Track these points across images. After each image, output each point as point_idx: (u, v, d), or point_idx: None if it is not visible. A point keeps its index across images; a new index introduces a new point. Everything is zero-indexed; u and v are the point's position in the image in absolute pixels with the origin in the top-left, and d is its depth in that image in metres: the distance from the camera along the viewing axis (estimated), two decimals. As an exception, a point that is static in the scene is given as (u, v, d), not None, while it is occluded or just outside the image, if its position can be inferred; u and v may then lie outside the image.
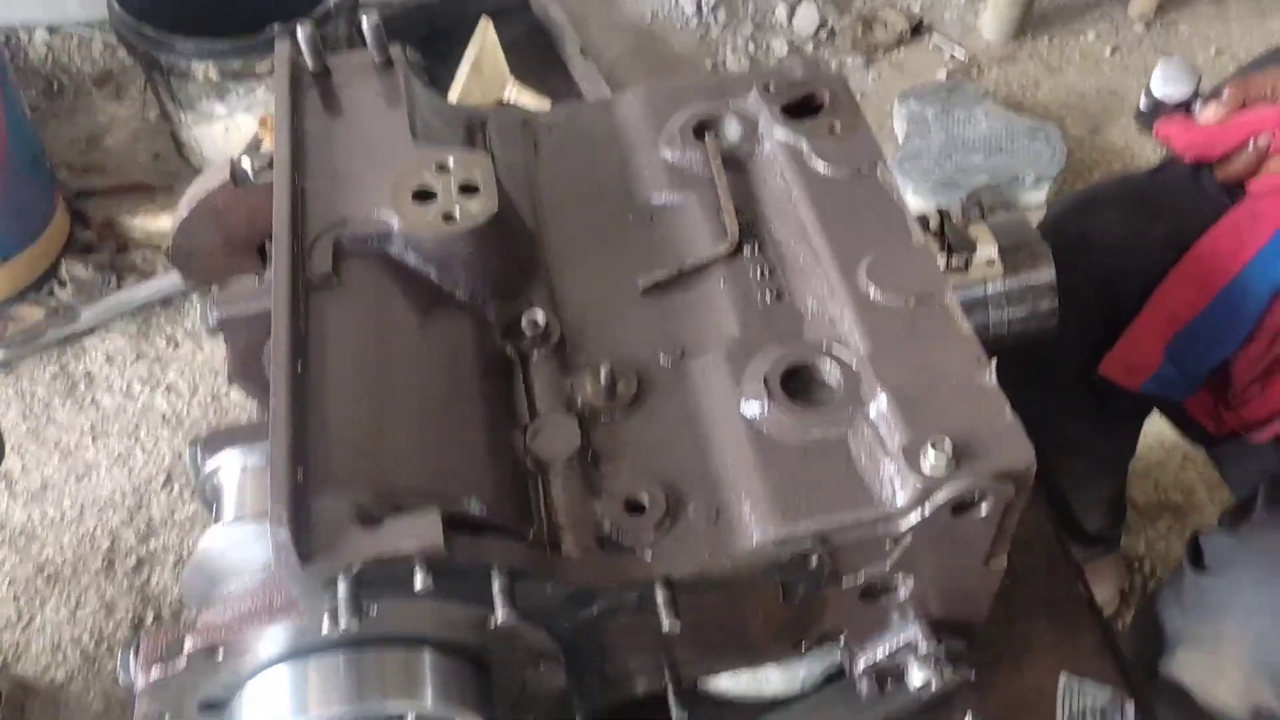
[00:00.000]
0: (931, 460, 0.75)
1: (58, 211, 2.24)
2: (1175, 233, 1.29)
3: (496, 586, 0.71)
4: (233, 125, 2.29)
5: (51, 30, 2.69)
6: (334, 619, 0.69)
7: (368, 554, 0.68)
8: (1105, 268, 1.29)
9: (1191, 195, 1.32)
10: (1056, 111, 2.81)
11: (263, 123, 1.50)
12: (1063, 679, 1.06)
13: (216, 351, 2.14)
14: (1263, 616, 1.12)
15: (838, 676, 1.03)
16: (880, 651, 0.93)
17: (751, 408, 0.84)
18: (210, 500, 0.85)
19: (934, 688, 0.95)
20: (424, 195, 0.89)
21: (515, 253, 0.93)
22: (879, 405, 0.80)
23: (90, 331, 2.14)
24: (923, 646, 0.90)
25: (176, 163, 2.47)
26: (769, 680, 1.01)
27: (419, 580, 0.68)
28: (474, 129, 1.08)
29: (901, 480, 0.77)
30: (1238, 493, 1.36)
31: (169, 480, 1.93)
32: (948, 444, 0.75)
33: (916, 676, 0.93)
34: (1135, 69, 2.94)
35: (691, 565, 0.77)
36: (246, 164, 1.00)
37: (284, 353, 0.76)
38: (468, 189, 0.89)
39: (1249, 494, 1.24)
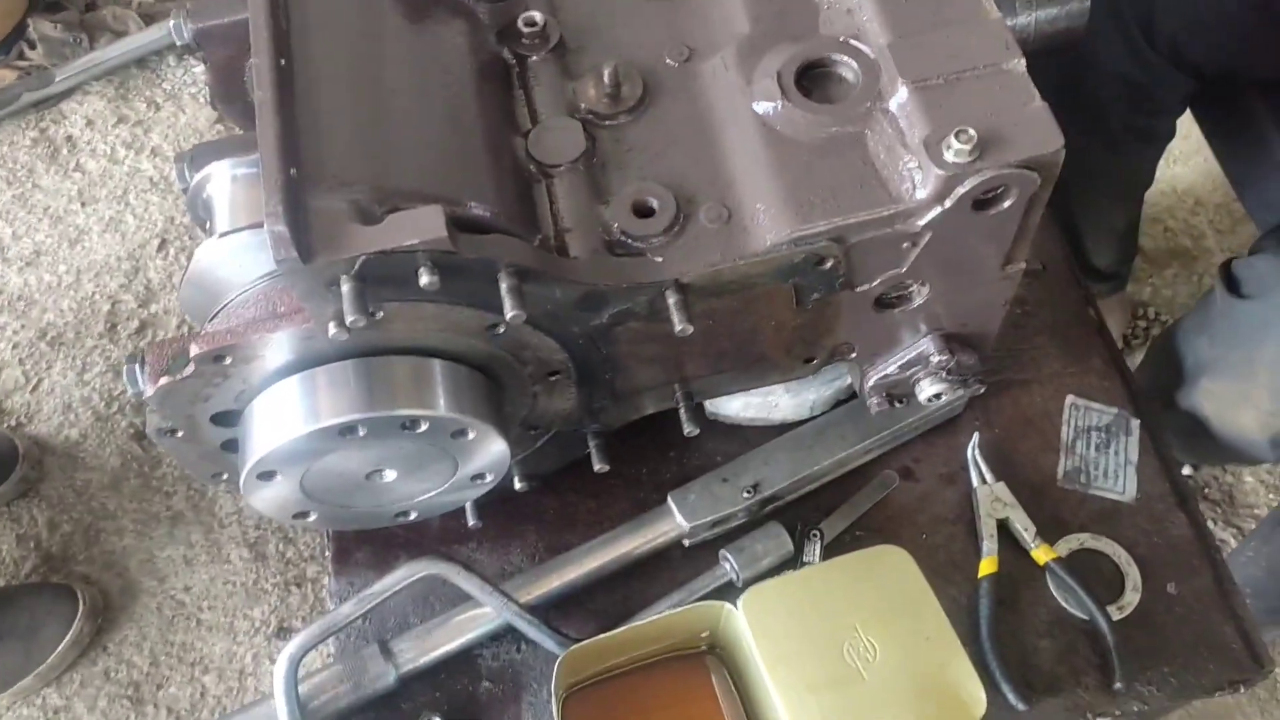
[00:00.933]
0: (954, 150, 0.71)
1: (18, -34, 2.11)
2: None
3: (504, 285, 0.69)
4: None
5: None
6: (340, 322, 0.67)
7: (369, 248, 0.65)
8: None
9: None
10: None
11: None
12: (1069, 399, 1.06)
13: (199, 114, 2.07)
14: None
15: (847, 402, 1.03)
16: (892, 366, 0.92)
17: (763, 106, 0.79)
18: (202, 215, 0.81)
19: (944, 400, 0.95)
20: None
21: (509, -53, 0.86)
22: (899, 97, 0.76)
23: (67, 94, 2.06)
24: (935, 359, 0.89)
25: (141, -87, 2.30)
26: (778, 406, 1.02)
27: (424, 277, 0.66)
28: None
29: (923, 173, 0.73)
30: (1260, 220, 1.33)
31: (164, 245, 1.90)
32: (972, 132, 0.71)
33: (927, 390, 0.93)
34: None
35: (703, 267, 0.75)
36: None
37: (265, 43, 0.70)
38: (453, -128, 0.82)
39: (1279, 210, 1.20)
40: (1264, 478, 1.73)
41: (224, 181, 0.79)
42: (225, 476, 0.85)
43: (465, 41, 0.83)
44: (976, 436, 1.01)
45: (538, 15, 0.84)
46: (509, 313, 0.69)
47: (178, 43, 0.90)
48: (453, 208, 0.70)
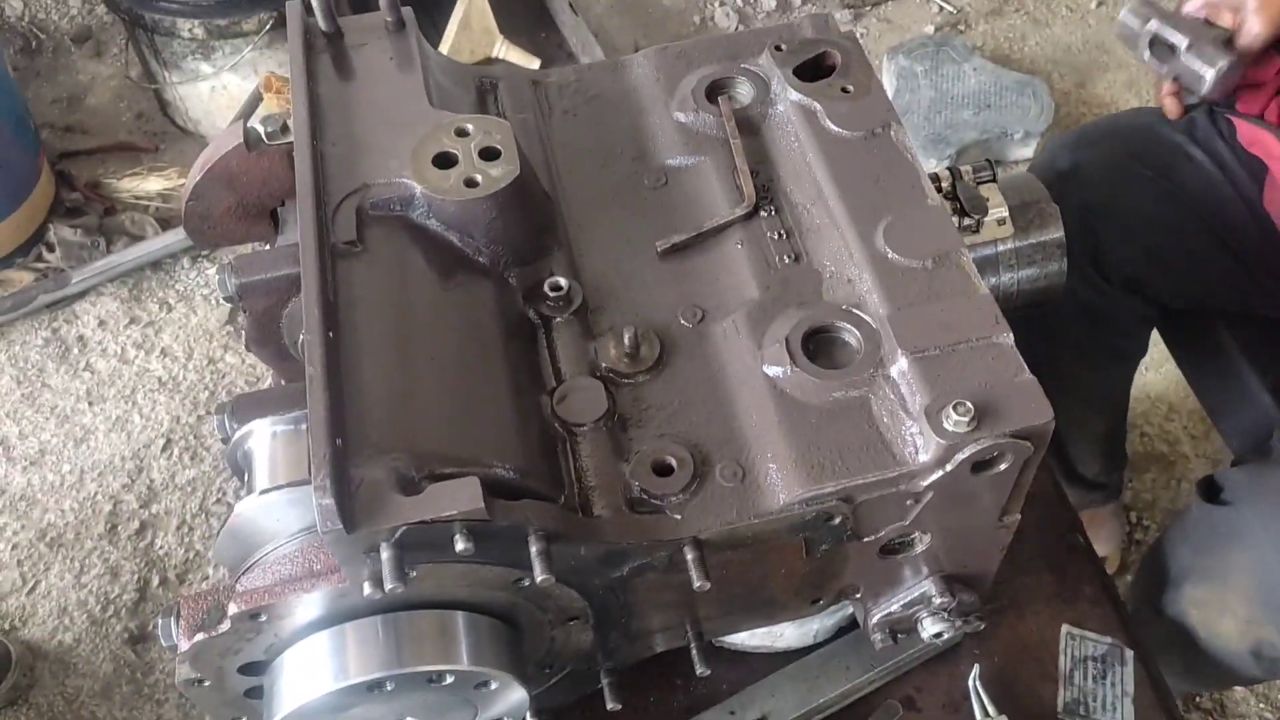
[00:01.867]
0: (953, 420, 0.77)
1: (43, 173, 2.22)
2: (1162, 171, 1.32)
3: (534, 549, 0.73)
4: (219, 85, 2.26)
5: (26, -14, 2.65)
6: (376, 583, 0.71)
7: (410, 519, 0.69)
8: (1089, 201, 1.31)
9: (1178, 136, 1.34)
10: (1043, 66, 2.82)
11: (266, 84, 1.48)
12: (1064, 629, 1.09)
13: (210, 315, 2.14)
14: (1271, 548, 1.15)
15: (848, 630, 1.06)
16: (895, 605, 0.95)
17: (774, 370, 0.85)
18: (241, 466, 0.85)
19: (945, 639, 0.98)
20: (445, 160, 0.89)
21: (536, 217, 0.94)
22: (899, 366, 0.82)
23: (81, 295, 2.13)
24: (936, 600, 0.93)
25: (161, 123, 2.44)
26: (783, 635, 1.04)
27: (459, 543, 0.70)
28: (485, 91, 1.08)
29: (924, 440, 0.78)
30: (1236, 445, 1.39)
31: (168, 444, 1.93)
32: (969, 405, 0.77)
33: (929, 629, 0.96)
34: (1121, 22, 2.93)
35: (720, 525, 0.79)
36: (260, 127, 0.99)
37: (316, 321, 0.76)
38: (488, 154, 0.90)
39: (1254, 438, 1.26)
40: (1255, 687, 1.75)
41: (264, 438, 0.83)
42: (245, 720, 0.86)
43: (493, 303, 0.89)
44: (977, 668, 1.04)
45: (562, 280, 0.91)
46: (539, 575, 0.72)
47: (222, 296, 0.96)
48: (485, 471, 0.74)
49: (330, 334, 0.76)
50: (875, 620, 0.97)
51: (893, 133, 0.98)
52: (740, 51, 1.08)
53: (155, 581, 1.76)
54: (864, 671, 1.03)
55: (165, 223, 2.24)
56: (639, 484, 0.81)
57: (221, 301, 2.18)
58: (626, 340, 0.87)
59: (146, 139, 2.42)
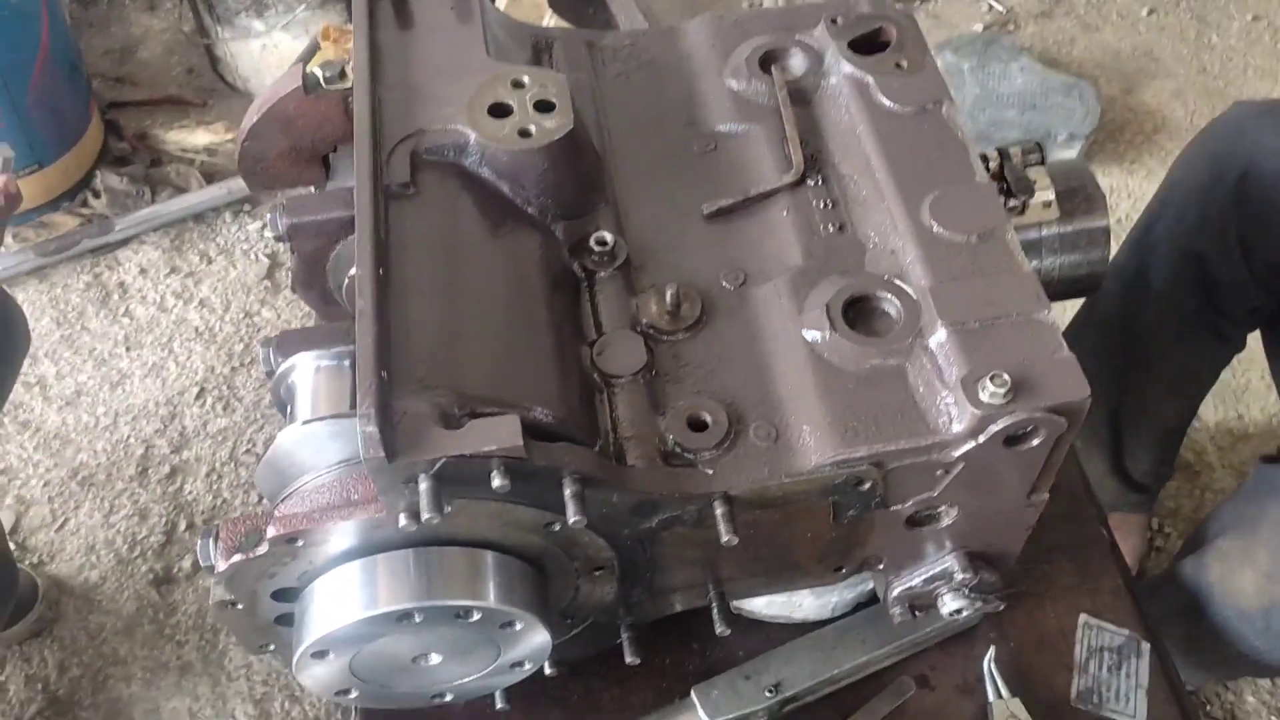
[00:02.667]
0: (989, 392, 0.77)
1: (93, 121, 2.25)
2: None
3: (568, 491, 0.74)
4: (270, 43, 2.28)
5: (85, -63, 2.68)
6: (412, 514, 0.72)
7: (450, 451, 0.70)
8: (1266, 170, 1.27)
9: None
10: (1091, 70, 2.80)
11: (324, 34, 1.49)
12: (1082, 618, 1.09)
13: (249, 270, 2.16)
14: None
15: (867, 605, 1.06)
16: (917, 579, 0.96)
17: (813, 334, 0.86)
18: (284, 399, 0.87)
19: (964, 617, 0.98)
20: (500, 110, 0.90)
21: (586, 172, 0.95)
22: (938, 337, 0.82)
23: (124, 243, 2.16)
24: (959, 576, 0.93)
25: (211, 78, 2.47)
26: (801, 605, 1.05)
27: (496, 480, 0.71)
28: (540, 48, 1.09)
29: (959, 410, 0.79)
30: None
31: (202, 393, 1.96)
32: (1006, 378, 0.77)
33: (949, 605, 0.97)
34: (1171, 31, 2.92)
35: (750, 482, 0.80)
36: (318, 72, 1.01)
37: (368, 257, 0.77)
38: (543, 106, 0.91)
39: None
40: (1265, 698, 1.74)
41: (308, 372, 0.84)
42: (273, 648, 0.87)
43: (540, 254, 0.90)
44: (993, 650, 1.04)
45: (608, 235, 0.92)
46: (571, 518, 0.73)
47: (271, 234, 0.98)
48: (524, 414, 0.76)
49: (380, 271, 0.78)
50: (896, 593, 0.97)
51: (944, 109, 0.98)
52: (795, 24, 1.08)
53: (182, 526, 1.79)
54: (880, 646, 1.03)
55: (210, 176, 2.26)
56: (674, 437, 0.81)
57: (261, 257, 2.21)
58: (668, 297, 0.88)
59: (195, 94, 2.45)
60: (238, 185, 2.24)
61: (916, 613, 0.99)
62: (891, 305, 0.87)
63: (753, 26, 1.09)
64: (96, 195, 2.21)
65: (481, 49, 0.97)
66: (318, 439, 0.80)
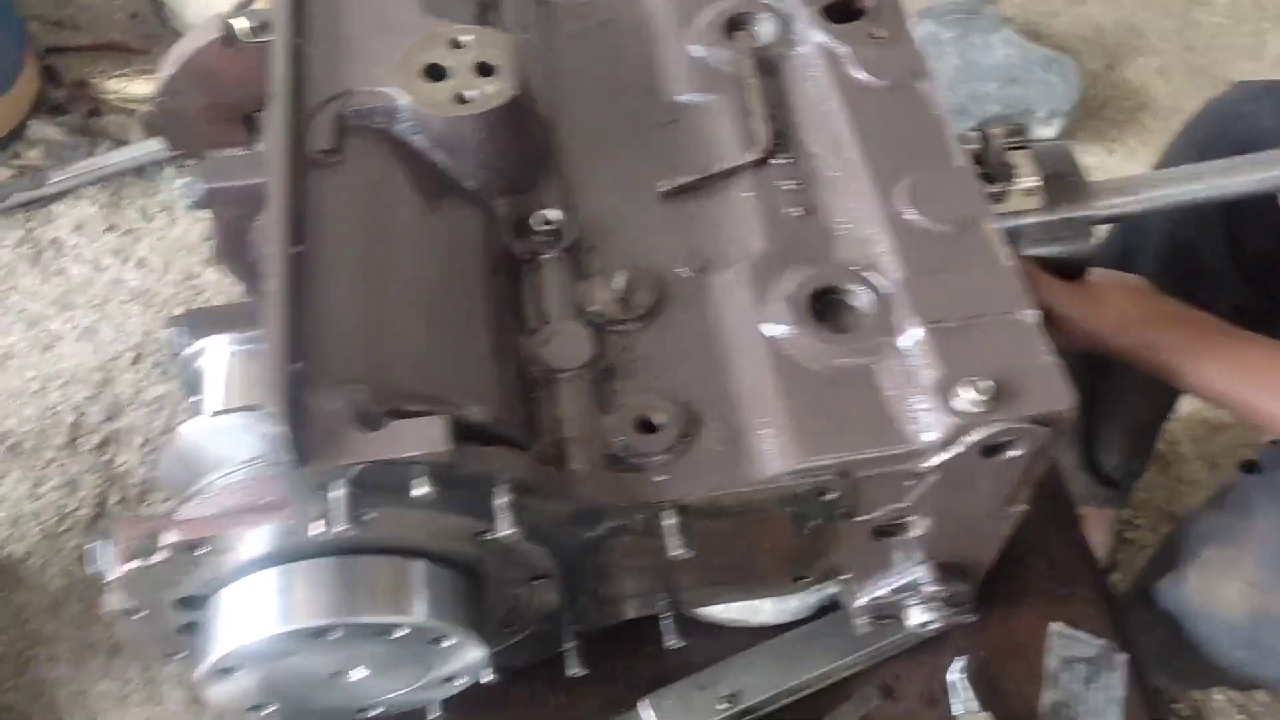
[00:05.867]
0: (967, 399, 0.71)
1: (26, 66, 2.12)
2: None
3: (500, 501, 0.67)
4: (217, -11, 2.17)
5: None
6: (327, 522, 0.65)
7: (368, 457, 0.63)
8: None
9: None
10: (1073, 44, 2.73)
11: None
12: (1054, 627, 1.04)
13: (192, 229, 2.06)
14: None
15: (830, 609, 1.00)
16: (883, 589, 0.90)
17: (774, 329, 0.79)
18: (191, 384, 0.79)
19: (932, 628, 0.93)
20: (436, 72, 0.82)
21: (531, 143, 0.87)
22: (912, 336, 0.76)
23: (59, 197, 2.05)
24: (928, 588, 0.87)
25: (154, 24, 2.35)
26: (760, 610, 0.99)
27: (419, 488, 0.64)
28: (487, 5, 1.00)
29: (933, 417, 0.72)
30: None
31: (138, 358, 1.86)
32: (986, 384, 0.71)
33: (917, 617, 0.91)
34: (1157, 6, 2.85)
35: (704, 491, 0.73)
36: (241, 23, 0.92)
37: (280, 233, 0.69)
38: (484, 69, 0.82)
39: None
40: (1233, 694, 1.71)
41: (221, 356, 0.77)
42: (180, 656, 0.80)
43: (477, 233, 0.83)
44: (962, 660, 0.99)
45: (553, 213, 0.84)
46: (504, 530, 0.66)
47: (185, 203, 0.89)
48: (454, 412, 0.68)
49: (295, 248, 0.70)
50: (861, 604, 0.91)
51: (921, 85, 0.91)
52: (764, -15, 1.01)
53: (115, 498, 1.70)
54: (843, 655, 0.97)
55: (151, 127, 2.15)
56: (621, 439, 0.75)
57: (200, 215, 2.10)
58: (619, 284, 0.81)
59: (139, 40, 2.33)
60: (181, 139, 2.13)
61: (882, 623, 0.93)
62: (861, 299, 0.80)
63: (717, -14, 1.01)
64: (30, 146, 2.09)
65: (416, 3, 0.88)
66: (228, 432, 0.73)
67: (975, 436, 0.72)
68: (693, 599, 0.90)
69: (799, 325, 0.78)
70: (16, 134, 2.11)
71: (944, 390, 0.72)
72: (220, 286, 1.97)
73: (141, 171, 2.12)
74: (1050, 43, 2.68)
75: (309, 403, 0.64)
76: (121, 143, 2.13)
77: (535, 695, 0.97)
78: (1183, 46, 2.72)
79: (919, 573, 0.88)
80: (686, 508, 0.73)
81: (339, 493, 0.63)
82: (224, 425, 0.73)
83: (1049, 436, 0.73)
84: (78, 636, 1.59)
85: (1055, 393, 0.72)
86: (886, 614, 0.93)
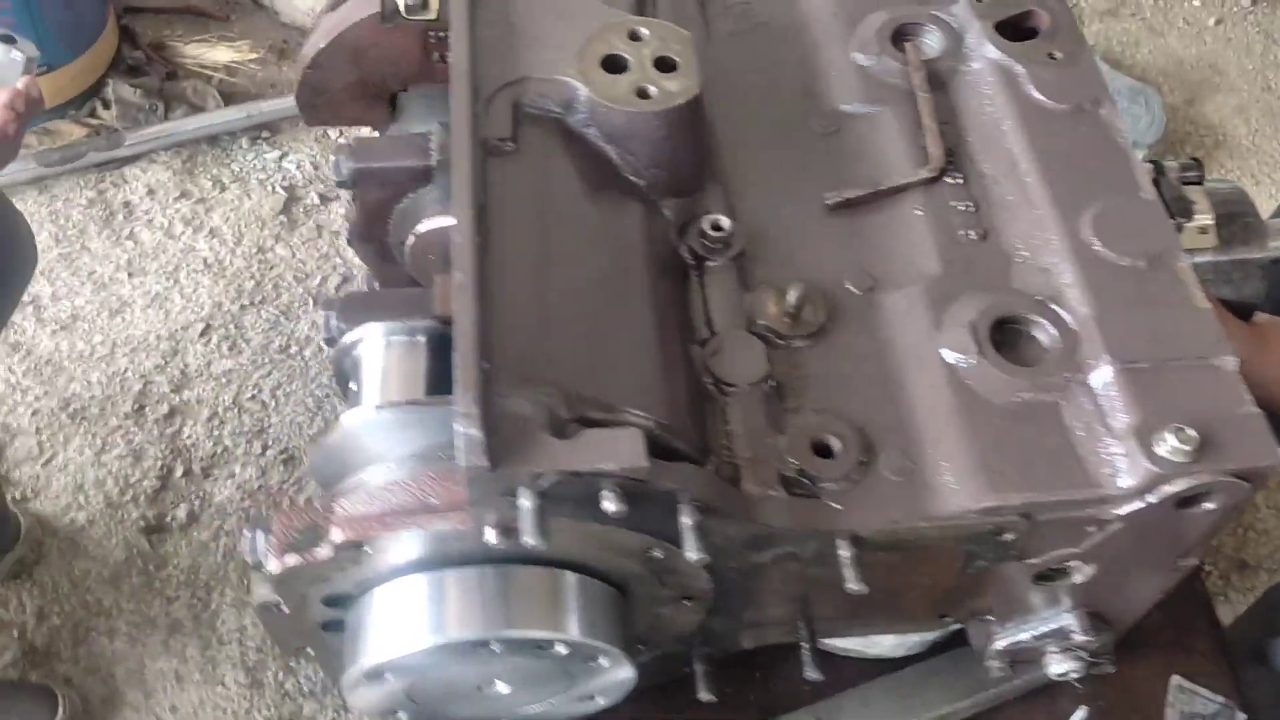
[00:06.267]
0: (1169, 447, 0.67)
1: (108, 25, 2.09)
2: None
3: (688, 521, 0.63)
4: (310, -41, 2.14)
5: None
6: (504, 530, 0.62)
7: (564, 466, 0.59)
8: None
9: None
10: (1154, 76, 2.68)
11: None
12: (1175, 681, 1.00)
13: (265, 201, 2.03)
14: None
15: (946, 644, 0.97)
16: (1026, 634, 0.86)
17: (954, 356, 0.75)
18: (347, 374, 0.75)
19: (1071, 678, 0.89)
20: (615, 64, 0.79)
21: (702, 144, 0.83)
22: (1103, 375, 0.72)
23: (133, 159, 2.01)
24: (1077, 637, 0.84)
25: (237, -10, 2.32)
26: (879, 642, 0.95)
27: (610, 503, 0.60)
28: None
29: (1129, 463, 0.69)
30: None
31: (207, 330, 1.83)
32: (1193, 433, 0.67)
33: (1058, 665, 0.87)
34: (1238, 43, 2.80)
35: (883, 522, 0.70)
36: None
37: (468, 223, 0.66)
38: (664, 64, 0.79)
39: None
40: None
41: (377, 346, 0.73)
42: (311, 653, 0.77)
43: (646, 232, 0.79)
44: (1083, 712, 0.95)
45: (724, 220, 0.81)
46: (691, 554, 0.63)
47: (335, 179, 0.86)
48: (634, 419, 0.65)
49: (481, 239, 0.66)
50: (998, 647, 0.87)
51: (1103, 111, 0.87)
52: (930, -3, 0.97)
53: (179, 471, 1.67)
54: (963, 696, 0.94)
55: (228, 96, 2.12)
56: (797, 462, 0.71)
57: (278, 189, 2.07)
58: (791, 298, 0.77)
59: (218, 6, 2.30)
60: (258, 109, 2.10)
61: (1015, 667, 0.90)
62: (1044, 331, 0.76)
63: (882, -4, 0.98)
64: (106, 106, 2.06)
65: (592, -13, 0.85)
66: (389, 426, 0.69)
67: (1174, 487, 0.68)
68: (832, 629, 0.86)
69: (981, 355, 0.74)
70: (93, 92, 2.08)
71: (1143, 436, 0.68)
72: (290, 263, 1.94)
73: (216, 140, 2.08)
74: (1131, 72, 2.64)
75: (498, 404, 0.61)
76: (198, 109, 2.10)
77: (643, 718, 0.94)
78: (1262, 87, 2.68)
79: (1068, 620, 0.84)
80: (863, 539, 0.70)
81: (528, 502, 0.59)
82: (385, 419, 0.69)
83: (1248, 492, 0.70)
84: (137, 610, 1.56)
85: (1261, 447, 0.69)
86: (1023, 659, 0.89)
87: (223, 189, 2.02)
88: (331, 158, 0.83)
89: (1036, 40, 0.91)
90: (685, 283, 0.80)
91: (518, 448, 0.59)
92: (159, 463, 1.67)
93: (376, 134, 1.00)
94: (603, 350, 0.69)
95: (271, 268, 1.93)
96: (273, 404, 1.74)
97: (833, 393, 0.75)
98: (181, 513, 1.63)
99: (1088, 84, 0.88)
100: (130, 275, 1.88)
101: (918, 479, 0.72)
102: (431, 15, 0.89)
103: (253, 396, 1.75)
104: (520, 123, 0.76)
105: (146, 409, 1.73)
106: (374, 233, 0.90)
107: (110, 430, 1.70)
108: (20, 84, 1.09)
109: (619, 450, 0.60)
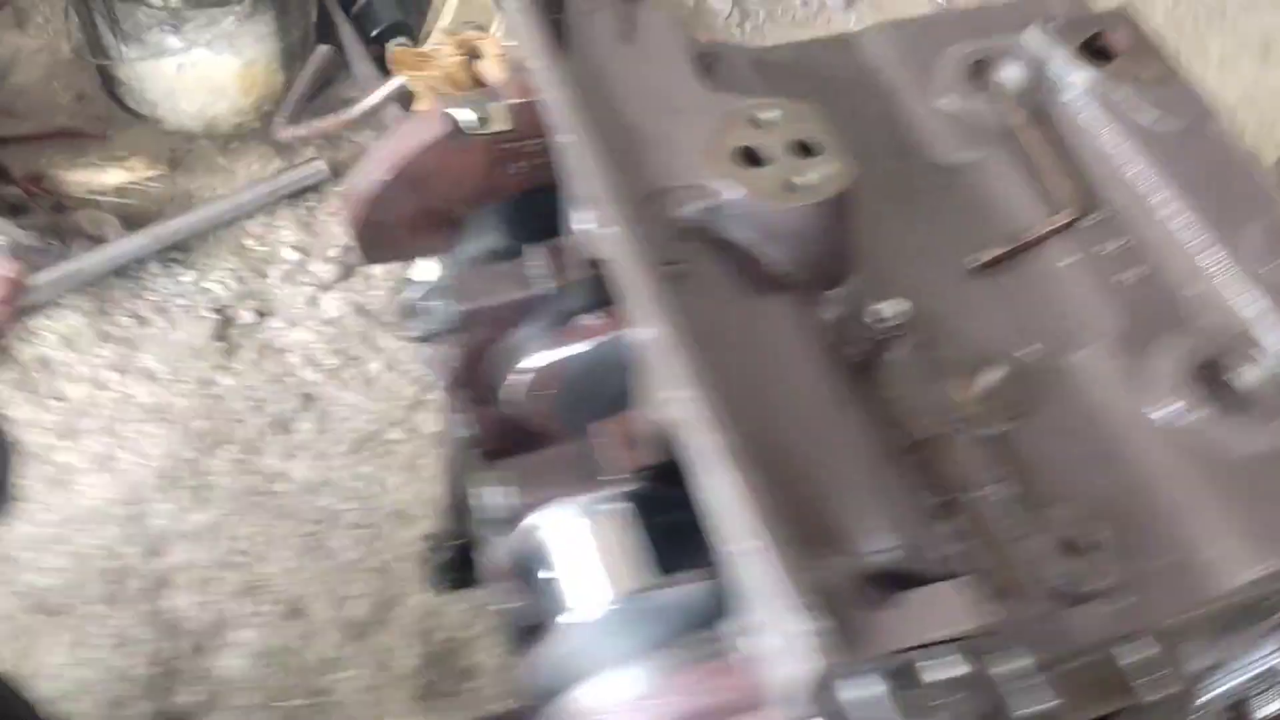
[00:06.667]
0: None
1: (-29, 164, 1.88)
2: None
3: (1023, 665, 0.56)
4: (188, 62, 1.97)
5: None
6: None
7: (907, 641, 0.51)
8: None
9: None
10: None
11: (398, 61, 1.11)
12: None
13: (195, 330, 1.85)
14: None
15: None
16: (1236, 681, 0.81)
17: (1167, 412, 0.70)
18: (528, 561, 0.65)
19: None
20: (754, 157, 0.71)
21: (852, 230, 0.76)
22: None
23: (36, 309, 1.81)
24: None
25: (106, 105, 2.12)
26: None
27: (952, 669, 0.52)
28: (709, 66, 0.89)
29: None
30: None
31: (166, 485, 1.65)
32: None
33: (1267, 708, 0.83)
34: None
35: (1174, 612, 0.64)
36: (465, 115, 0.79)
37: (690, 368, 0.57)
38: (804, 148, 0.72)
39: None
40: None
41: (578, 527, 0.63)
42: None
43: (820, 338, 0.71)
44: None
45: (891, 306, 0.73)
46: (1046, 704, 0.55)
47: (443, 327, 0.76)
48: (915, 562, 0.57)
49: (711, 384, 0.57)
50: (1211, 695, 0.83)
51: (1214, 126, 0.85)
52: (989, 27, 0.93)
53: (175, 651, 1.48)
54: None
55: (128, 220, 1.93)
56: (1055, 569, 0.64)
57: (204, 313, 1.90)
58: (986, 380, 0.71)
59: (91, 124, 2.10)
60: (166, 230, 1.91)
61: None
62: (1250, 370, 0.72)
63: (941, 34, 0.93)
64: (-8, 253, 1.84)
65: (691, 76, 0.77)
66: (614, 631, 0.59)
67: None
68: None
69: (1197, 407, 0.70)
70: (-27, 242, 1.86)
71: None
72: (240, 392, 1.77)
73: (124, 271, 1.89)
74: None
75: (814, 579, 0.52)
76: (98, 240, 1.90)
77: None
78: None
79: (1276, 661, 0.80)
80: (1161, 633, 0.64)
81: (875, 689, 0.51)
82: (607, 623, 0.59)
83: None
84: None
85: None
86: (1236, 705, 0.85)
87: (145, 324, 1.83)
88: (438, 303, 0.73)
89: (1120, 60, 0.88)
90: (869, 384, 0.72)
91: (853, 630, 0.51)
92: (150, 646, 1.48)
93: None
94: (852, 485, 0.61)
95: (221, 400, 1.75)
96: (258, 553, 1.58)
97: (1057, 479, 0.69)
98: (194, 699, 1.45)
99: (1190, 101, 0.86)
100: (64, 439, 1.68)
101: (1183, 558, 0.66)
102: (497, 128, 0.80)
103: (244, 551, 1.58)
104: (677, 238, 0.68)
105: (119, 587, 1.53)
106: (474, 375, 0.80)
107: (81, 620, 1.50)
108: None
109: (954, 607, 0.52)
